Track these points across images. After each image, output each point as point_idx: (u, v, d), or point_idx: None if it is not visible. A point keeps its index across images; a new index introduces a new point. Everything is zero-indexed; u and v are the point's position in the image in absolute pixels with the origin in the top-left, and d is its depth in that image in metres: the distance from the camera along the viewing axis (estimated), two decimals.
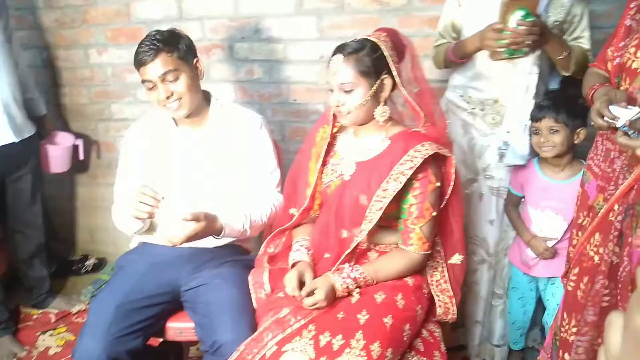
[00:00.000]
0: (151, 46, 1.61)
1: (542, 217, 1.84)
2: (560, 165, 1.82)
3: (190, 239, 1.50)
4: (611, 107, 1.25)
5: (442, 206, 1.54)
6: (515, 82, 1.79)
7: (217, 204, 1.67)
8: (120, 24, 2.50)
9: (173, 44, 1.65)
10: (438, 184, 1.48)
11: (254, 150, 1.80)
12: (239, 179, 1.79)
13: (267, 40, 2.36)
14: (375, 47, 1.45)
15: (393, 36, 1.50)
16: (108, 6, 2.48)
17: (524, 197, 1.89)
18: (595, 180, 1.47)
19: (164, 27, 2.34)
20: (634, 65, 1.32)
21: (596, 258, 1.43)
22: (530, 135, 1.81)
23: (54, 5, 2.54)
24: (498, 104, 1.85)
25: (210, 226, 1.56)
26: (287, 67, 2.37)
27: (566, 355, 1.54)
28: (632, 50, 1.33)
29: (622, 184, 1.36)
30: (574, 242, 1.54)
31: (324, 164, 1.61)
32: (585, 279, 1.46)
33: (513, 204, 1.92)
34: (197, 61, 1.73)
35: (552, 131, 1.75)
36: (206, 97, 1.80)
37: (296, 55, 2.34)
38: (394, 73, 1.46)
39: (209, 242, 1.73)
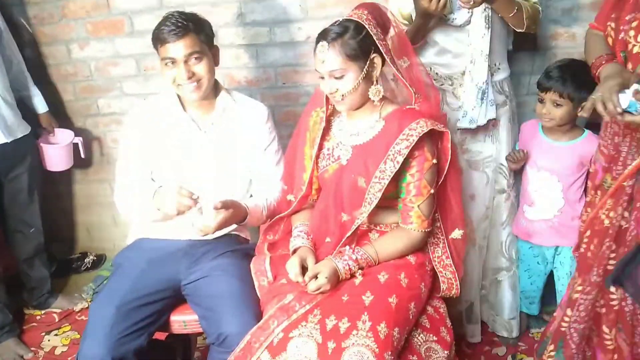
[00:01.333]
0: (178, 24, 1.59)
1: (538, 177, 1.87)
2: (562, 131, 1.84)
3: (220, 227, 1.55)
4: (621, 96, 1.20)
5: (440, 182, 1.53)
6: (472, 48, 1.77)
7: (224, 192, 1.69)
8: (101, 17, 2.43)
9: (200, 26, 1.65)
10: (434, 161, 1.47)
11: (261, 142, 1.80)
12: (245, 169, 1.80)
13: (251, 25, 2.31)
14: (359, 28, 1.42)
15: (375, 11, 1.46)
16: None
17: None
18: (603, 159, 1.46)
19: (146, 17, 2.36)
20: (635, 50, 1.27)
21: (606, 222, 1.42)
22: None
23: (31, 1, 2.47)
24: (465, 75, 1.83)
25: (237, 213, 1.61)
26: (273, 51, 2.33)
27: (568, 311, 1.56)
28: (632, 33, 1.27)
29: (630, 164, 1.34)
30: (584, 217, 1.54)
31: (320, 148, 1.59)
32: (595, 241, 1.47)
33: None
34: (216, 47, 1.73)
35: (555, 105, 1.77)
36: (215, 85, 1.78)
37: (281, 38, 2.30)
38: (383, 51, 1.43)
39: None
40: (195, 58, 1.63)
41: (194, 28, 1.62)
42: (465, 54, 1.80)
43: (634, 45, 1.27)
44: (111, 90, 2.57)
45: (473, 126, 1.83)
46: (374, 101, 1.48)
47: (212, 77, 1.71)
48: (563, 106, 1.76)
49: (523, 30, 1.78)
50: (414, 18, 1.81)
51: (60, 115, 2.67)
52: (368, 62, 1.43)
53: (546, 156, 1.85)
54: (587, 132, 1.85)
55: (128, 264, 1.68)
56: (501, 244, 2.01)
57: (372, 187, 1.45)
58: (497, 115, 1.86)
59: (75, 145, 2.54)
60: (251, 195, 1.84)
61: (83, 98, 2.62)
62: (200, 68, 1.65)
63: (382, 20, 1.46)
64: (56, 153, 2.47)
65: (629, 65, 1.30)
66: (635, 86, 1.19)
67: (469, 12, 1.74)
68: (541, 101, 1.81)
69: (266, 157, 1.81)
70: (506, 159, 1.90)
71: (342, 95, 1.44)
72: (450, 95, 1.88)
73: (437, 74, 1.87)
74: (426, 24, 1.75)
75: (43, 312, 2.49)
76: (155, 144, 1.75)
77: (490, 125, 1.88)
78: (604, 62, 1.37)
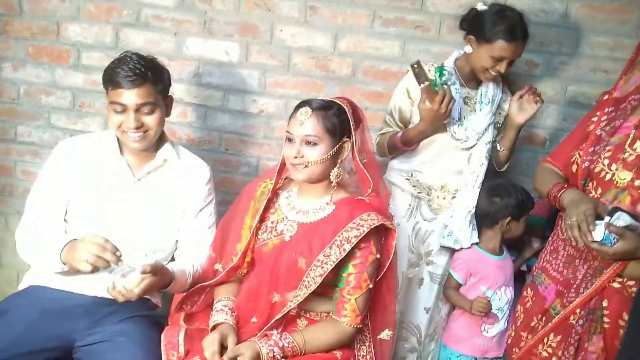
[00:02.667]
0: (136, 71, 1.50)
1: (501, 294, 1.91)
2: (498, 245, 1.95)
3: (144, 293, 1.39)
4: (597, 228, 1.27)
5: (377, 279, 1.50)
6: (468, 172, 1.88)
7: (149, 249, 1.59)
8: (46, 42, 2.29)
9: (158, 76, 1.57)
10: (378, 255, 1.44)
11: (197, 202, 1.70)
12: (174, 227, 1.68)
13: (205, 86, 2.28)
14: (341, 110, 1.45)
15: (353, 106, 1.52)
16: (35, 21, 2.27)
17: (464, 284, 1.94)
18: (554, 285, 1.49)
19: (95, 53, 2.26)
20: (607, 177, 1.38)
21: None
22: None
23: None
24: (444, 190, 1.91)
25: (163, 278, 1.46)
26: (222, 116, 2.29)
27: None
28: (606, 162, 1.39)
29: (583, 292, 1.39)
30: (522, 344, 1.53)
31: (262, 219, 1.52)
32: None
33: (454, 288, 1.95)
34: (170, 98, 1.65)
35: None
36: (161, 135, 1.67)
37: (234, 106, 2.28)
38: (354, 138, 1.45)
39: None
40: (148, 109, 1.55)
41: (152, 77, 1.54)
42: (453, 170, 1.89)
43: (607, 173, 1.38)
44: (36, 119, 2.37)
45: (457, 247, 1.89)
46: (331, 182, 1.47)
47: (161, 128, 1.63)
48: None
49: (501, 170, 1.96)
50: (412, 120, 1.89)
51: None
52: (340, 144, 1.44)
53: (502, 272, 1.92)
54: None
55: (16, 312, 1.46)
56: (427, 357, 2.02)
57: (313, 270, 1.39)
58: (410, 272, 1.95)
59: None
60: (173, 258, 1.71)
61: (1, 121, 2.39)
62: (151, 119, 1.56)
63: (357, 115, 1.50)
64: None
65: (599, 190, 1.40)
66: (607, 219, 1.27)
67: (477, 139, 1.85)
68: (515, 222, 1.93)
69: (199, 219, 1.70)
70: (479, 311, 1.87)
71: (307, 163, 1.42)
72: (425, 206, 1.94)
73: (417, 180, 1.92)
74: (430, 129, 1.81)
75: None
76: (79, 183, 1.60)
77: (405, 282, 1.95)
78: (564, 188, 1.45)
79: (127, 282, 1.35)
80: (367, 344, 1.51)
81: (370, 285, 1.44)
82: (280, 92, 2.25)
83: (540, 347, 1.47)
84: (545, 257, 1.58)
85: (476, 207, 1.88)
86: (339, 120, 1.44)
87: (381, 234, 1.48)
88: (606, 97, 1.52)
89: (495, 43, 1.74)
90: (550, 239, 1.60)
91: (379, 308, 1.53)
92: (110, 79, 1.53)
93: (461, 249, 1.89)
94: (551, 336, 1.46)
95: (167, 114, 1.65)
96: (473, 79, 1.90)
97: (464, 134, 1.84)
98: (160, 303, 1.74)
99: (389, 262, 1.48)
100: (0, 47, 2.32)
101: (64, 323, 1.46)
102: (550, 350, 1.45)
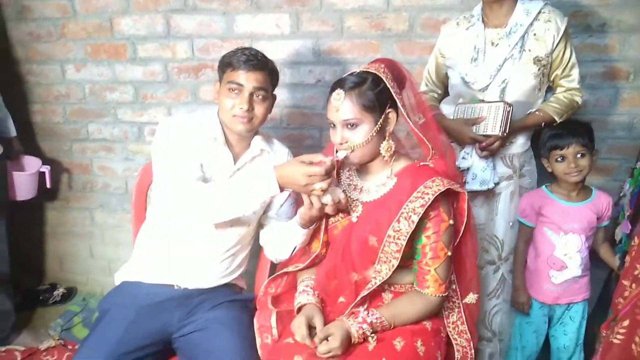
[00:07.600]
0: (258, 57, 1.56)
1: (567, 240, 1.84)
2: (576, 190, 1.84)
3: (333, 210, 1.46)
4: None
5: (455, 244, 1.45)
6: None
7: (239, 235, 1.63)
8: (102, 40, 2.34)
9: (273, 69, 1.63)
10: (451, 222, 1.39)
11: None
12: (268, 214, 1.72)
13: None
14: (376, 80, 1.37)
15: (392, 67, 1.41)
16: (89, 20, 2.31)
17: (534, 226, 1.89)
18: None
19: (150, 45, 2.29)
20: None
21: None
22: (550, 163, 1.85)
23: (28, 17, 2.36)
24: None
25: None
26: (281, 90, 2.25)
27: None
28: None
29: None
30: (626, 293, 1.46)
31: None
32: None
33: (526, 240, 1.90)
34: (274, 96, 1.67)
35: (580, 155, 1.78)
36: None
37: (291, 79, 2.24)
38: (399, 105, 1.38)
39: (203, 282, 1.61)
40: (261, 96, 1.57)
41: (269, 67, 1.59)
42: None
43: None
44: (104, 116, 2.46)
45: (484, 188, 1.82)
46: (384, 157, 1.42)
47: (264, 121, 1.63)
48: (586, 155, 1.78)
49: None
50: (450, 78, 1.91)
51: (42, 137, 2.55)
52: (383, 116, 1.37)
53: (569, 218, 1.83)
54: (595, 189, 1.88)
55: (116, 311, 1.54)
56: (485, 313, 1.96)
57: (387, 246, 1.36)
58: (498, 187, 1.87)
59: (42, 174, 2.39)
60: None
61: (73, 121, 2.50)
62: (260, 107, 1.58)
63: (398, 76, 1.41)
64: (23, 181, 2.31)
65: None
66: None
67: (490, 78, 1.78)
68: (561, 160, 1.80)
69: (287, 203, 1.72)
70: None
71: (353, 147, 1.37)
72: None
73: None
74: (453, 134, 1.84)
75: (4, 348, 2.26)
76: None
77: (490, 195, 1.87)
78: None
79: (340, 193, 1.43)
80: (456, 310, 1.48)
81: (449, 253, 1.39)
82: (336, 58, 2.18)
83: None
84: None
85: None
86: (375, 92, 1.35)
87: (451, 198, 1.41)
88: None
89: None
90: None
91: (461, 273, 1.49)
92: (229, 62, 1.56)
93: (477, 192, 1.83)
94: None
95: (270, 110, 1.65)
96: (498, 16, 1.78)
97: (473, 77, 1.80)
98: (245, 285, 1.80)
99: (464, 225, 1.43)
100: (61, 50, 2.39)
101: (160, 317, 1.53)
102: None
